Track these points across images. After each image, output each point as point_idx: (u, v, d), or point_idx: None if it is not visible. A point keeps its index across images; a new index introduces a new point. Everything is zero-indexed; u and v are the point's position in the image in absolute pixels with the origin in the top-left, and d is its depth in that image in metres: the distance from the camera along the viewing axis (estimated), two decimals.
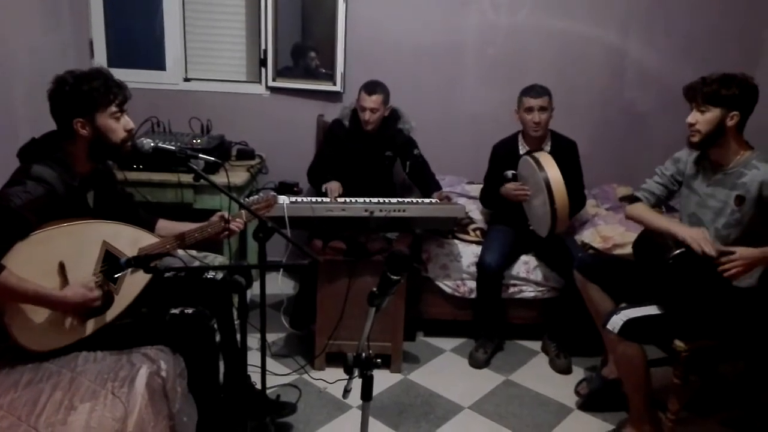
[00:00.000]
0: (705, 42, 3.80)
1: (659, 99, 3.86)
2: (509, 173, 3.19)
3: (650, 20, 3.81)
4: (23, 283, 1.80)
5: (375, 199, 2.96)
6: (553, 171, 2.83)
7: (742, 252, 2.23)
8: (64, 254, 1.93)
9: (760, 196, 2.28)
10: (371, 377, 1.72)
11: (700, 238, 2.28)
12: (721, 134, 2.32)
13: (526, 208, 3.14)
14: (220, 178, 2.79)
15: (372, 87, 3.19)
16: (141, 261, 1.88)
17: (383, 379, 2.94)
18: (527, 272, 3.21)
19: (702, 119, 2.32)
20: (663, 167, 2.64)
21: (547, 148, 3.17)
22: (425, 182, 3.38)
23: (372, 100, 3.17)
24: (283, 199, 2.72)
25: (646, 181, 2.70)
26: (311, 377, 2.93)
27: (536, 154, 2.96)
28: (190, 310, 2.28)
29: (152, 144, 2.10)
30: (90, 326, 2.03)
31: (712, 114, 2.30)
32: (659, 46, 3.85)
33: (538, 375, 3.10)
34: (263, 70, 3.83)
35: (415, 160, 3.33)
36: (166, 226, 2.35)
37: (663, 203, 2.69)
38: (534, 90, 3.09)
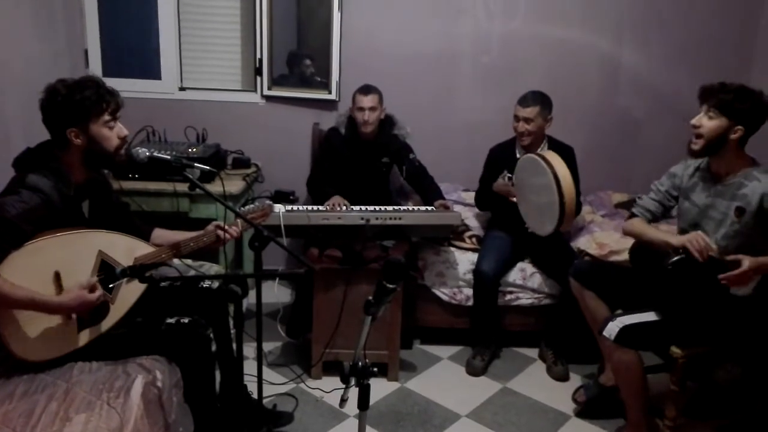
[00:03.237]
0: (698, 49, 3.83)
1: (653, 106, 3.87)
2: (506, 175, 3.18)
3: (644, 27, 3.83)
4: (17, 289, 1.79)
5: (371, 207, 2.96)
6: (560, 166, 2.77)
7: (748, 260, 2.18)
8: (60, 264, 1.92)
9: (760, 208, 2.26)
10: (368, 386, 1.71)
11: (698, 241, 2.26)
12: (722, 145, 2.31)
13: (522, 209, 3.08)
14: (215, 187, 2.79)
15: (366, 88, 3.23)
16: (136, 270, 1.88)
17: (380, 388, 2.93)
18: (524, 279, 3.21)
19: (707, 124, 2.30)
20: (659, 183, 2.62)
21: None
22: (425, 189, 3.38)
23: (369, 99, 3.20)
24: (278, 208, 2.72)
25: (642, 197, 2.68)
26: (308, 386, 2.92)
27: (541, 152, 2.94)
28: (186, 320, 2.27)
29: (148, 153, 2.10)
30: (85, 336, 2.02)
31: (719, 122, 2.28)
32: (653, 53, 3.86)
33: (536, 382, 3.09)
34: (258, 78, 3.82)
35: (412, 165, 3.35)
36: (161, 235, 2.35)
37: (659, 219, 2.66)
38: (524, 99, 3.08)
